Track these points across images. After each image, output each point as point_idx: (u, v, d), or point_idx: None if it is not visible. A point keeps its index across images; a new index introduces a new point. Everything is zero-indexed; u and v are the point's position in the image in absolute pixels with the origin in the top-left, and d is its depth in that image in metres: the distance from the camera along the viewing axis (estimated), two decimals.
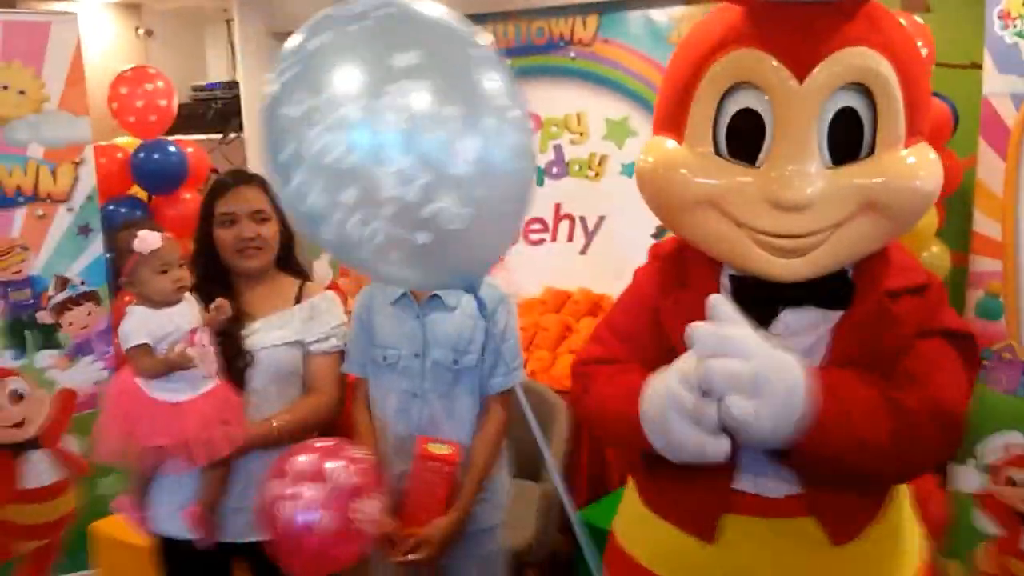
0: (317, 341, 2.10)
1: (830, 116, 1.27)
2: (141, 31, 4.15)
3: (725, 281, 1.40)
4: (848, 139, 1.28)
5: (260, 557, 1.98)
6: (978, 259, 2.93)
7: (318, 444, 1.92)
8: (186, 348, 1.89)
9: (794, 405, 1.14)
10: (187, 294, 1.97)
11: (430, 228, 1.11)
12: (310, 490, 1.80)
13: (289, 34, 3.75)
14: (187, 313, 1.94)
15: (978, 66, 2.90)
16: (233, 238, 2.08)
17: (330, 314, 2.15)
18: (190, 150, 3.54)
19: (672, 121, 1.38)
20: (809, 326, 1.34)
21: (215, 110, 4.09)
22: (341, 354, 2.14)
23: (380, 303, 2.11)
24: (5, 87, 3.02)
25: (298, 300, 2.14)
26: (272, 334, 2.07)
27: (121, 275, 1.94)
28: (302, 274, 2.21)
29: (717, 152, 1.32)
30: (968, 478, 2.98)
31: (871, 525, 1.36)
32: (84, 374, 3.19)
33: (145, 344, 1.88)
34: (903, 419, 1.22)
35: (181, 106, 4.14)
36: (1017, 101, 2.79)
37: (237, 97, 3.98)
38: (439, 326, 2.05)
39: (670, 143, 1.37)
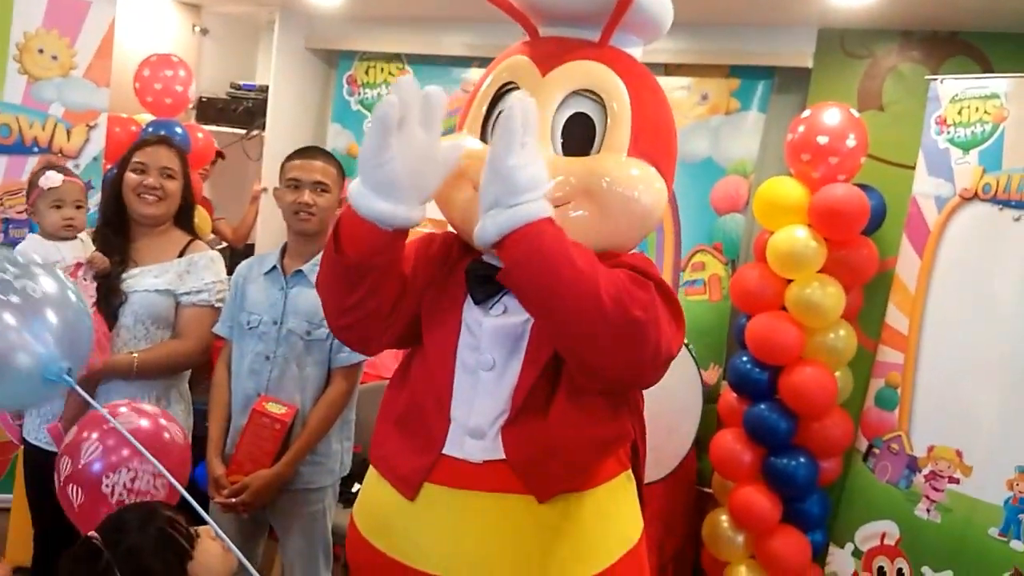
0: (188, 293, 2.35)
1: (566, 115, 1.51)
2: (197, 28, 4.54)
3: (466, 266, 1.56)
4: (580, 139, 1.50)
5: None
6: (885, 350, 3.01)
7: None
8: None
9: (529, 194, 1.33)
10: (82, 234, 2.25)
11: None
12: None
13: (321, 50, 4.05)
14: (76, 249, 2.23)
15: (912, 167, 3.00)
16: (136, 183, 2.36)
17: (207, 271, 2.39)
18: (200, 135, 3.86)
19: (462, 121, 1.64)
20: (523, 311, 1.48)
21: (245, 108, 4.44)
22: (213, 309, 2.38)
23: (255, 273, 2.36)
24: (41, 51, 3.42)
25: (182, 255, 2.39)
26: (147, 280, 2.33)
27: (27, 203, 2.24)
28: (193, 233, 2.47)
29: (483, 139, 1.56)
30: (844, 562, 3.02)
31: (573, 492, 1.49)
32: None
33: None
34: (621, 287, 1.34)
35: (217, 99, 4.53)
36: (941, 203, 2.88)
37: (266, 99, 4.35)
38: (299, 298, 2.28)
39: (457, 135, 1.62)
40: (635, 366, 1.40)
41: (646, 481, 1.68)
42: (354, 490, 2.65)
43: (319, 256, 2.31)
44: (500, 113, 1.44)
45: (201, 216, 3.40)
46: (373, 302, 1.49)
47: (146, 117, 3.83)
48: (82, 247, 2.23)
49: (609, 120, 1.50)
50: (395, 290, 1.52)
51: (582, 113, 1.51)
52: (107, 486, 1.71)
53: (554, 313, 1.37)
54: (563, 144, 1.51)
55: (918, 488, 2.83)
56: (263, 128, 4.35)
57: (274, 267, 2.33)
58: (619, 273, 1.37)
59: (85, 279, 2.20)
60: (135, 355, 2.28)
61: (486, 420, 1.50)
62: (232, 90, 4.56)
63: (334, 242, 1.44)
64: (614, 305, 1.31)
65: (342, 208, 1.51)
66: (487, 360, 1.50)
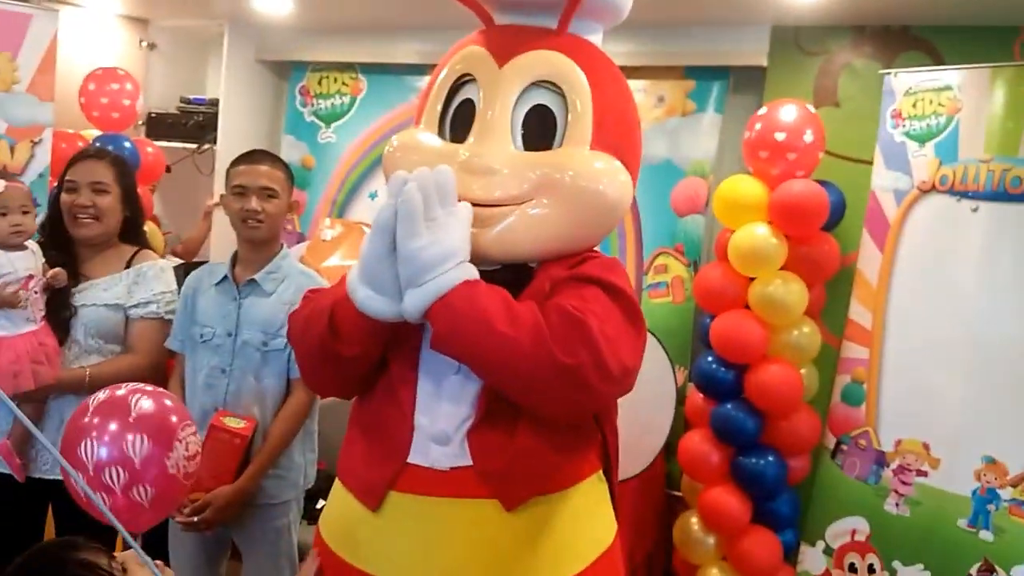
0: (137, 306, 2.28)
1: (525, 108, 1.47)
2: (144, 43, 4.45)
3: None
4: (541, 132, 1.47)
5: (63, 496, 2.12)
6: (849, 346, 3.00)
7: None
8: (18, 290, 2.08)
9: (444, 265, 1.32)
10: (33, 245, 2.17)
11: None
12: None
13: (272, 62, 3.99)
14: (28, 260, 2.14)
15: (870, 162, 3.01)
16: (70, 203, 2.28)
17: (156, 281, 2.31)
18: (149, 150, 3.78)
19: (419, 115, 1.59)
20: None
21: (196, 122, 4.37)
22: (163, 322, 2.31)
23: (205, 285, 2.29)
24: None
25: (129, 265, 2.31)
26: (97, 294, 2.26)
27: None
28: (140, 244, 2.38)
29: (441, 135, 1.53)
30: (815, 561, 3.00)
31: (544, 496, 1.46)
32: None
33: None
34: (548, 335, 1.31)
35: (167, 114, 4.44)
36: (900, 197, 2.89)
37: (217, 112, 4.28)
38: (253, 309, 2.21)
39: (413, 131, 1.56)
40: (580, 405, 1.40)
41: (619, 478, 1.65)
42: (319, 507, 2.58)
43: (271, 264, 2.26)
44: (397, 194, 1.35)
45: (152, 232, 3.32)
46: (362, 367, 1.51)
47: (93, 132, 3.73)
48: (33, 258, 2.15)
49: (570, 112, 1.47)
50: (382, 350, 1.51)
51: (542, 105, 1.48)
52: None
53: (489, 375, 1.38)
54: (524, 138, 1.48)
55: (887, 483, 2.82)
56: (215, 142, 4.28)
57: (225, 277, 2.27)
58: (551, 314, 1.34)
59: (36, 292, 2.12)
60: (87, 370, 2.21)
61: (451, 425, 1.46)
62: (182, 104, 4.48)
63: (330, 334, 1.44)
64: (539, 360, 1.31)
65: (332, 299, 1.46)
66: (453, 363, 1.45)
